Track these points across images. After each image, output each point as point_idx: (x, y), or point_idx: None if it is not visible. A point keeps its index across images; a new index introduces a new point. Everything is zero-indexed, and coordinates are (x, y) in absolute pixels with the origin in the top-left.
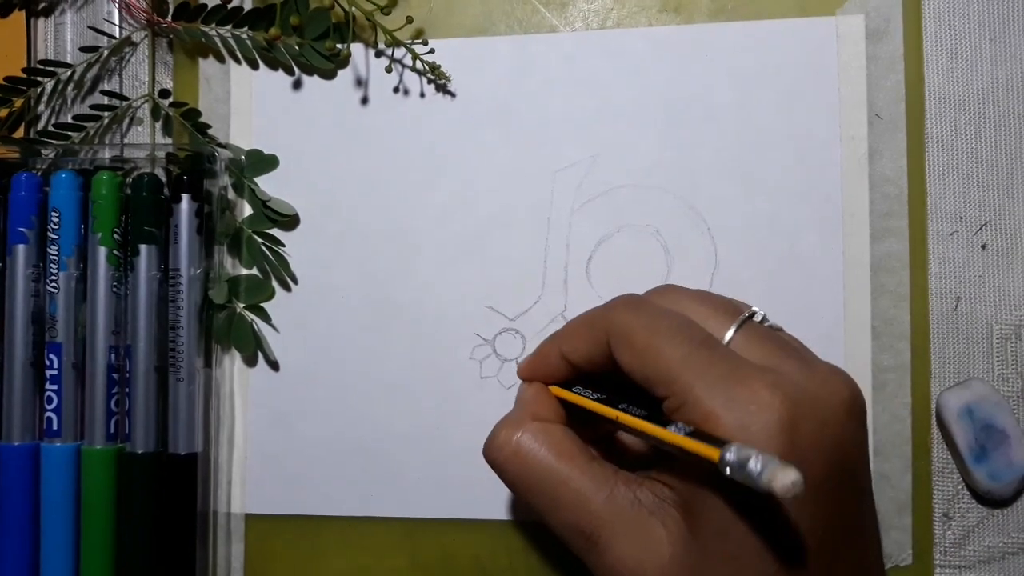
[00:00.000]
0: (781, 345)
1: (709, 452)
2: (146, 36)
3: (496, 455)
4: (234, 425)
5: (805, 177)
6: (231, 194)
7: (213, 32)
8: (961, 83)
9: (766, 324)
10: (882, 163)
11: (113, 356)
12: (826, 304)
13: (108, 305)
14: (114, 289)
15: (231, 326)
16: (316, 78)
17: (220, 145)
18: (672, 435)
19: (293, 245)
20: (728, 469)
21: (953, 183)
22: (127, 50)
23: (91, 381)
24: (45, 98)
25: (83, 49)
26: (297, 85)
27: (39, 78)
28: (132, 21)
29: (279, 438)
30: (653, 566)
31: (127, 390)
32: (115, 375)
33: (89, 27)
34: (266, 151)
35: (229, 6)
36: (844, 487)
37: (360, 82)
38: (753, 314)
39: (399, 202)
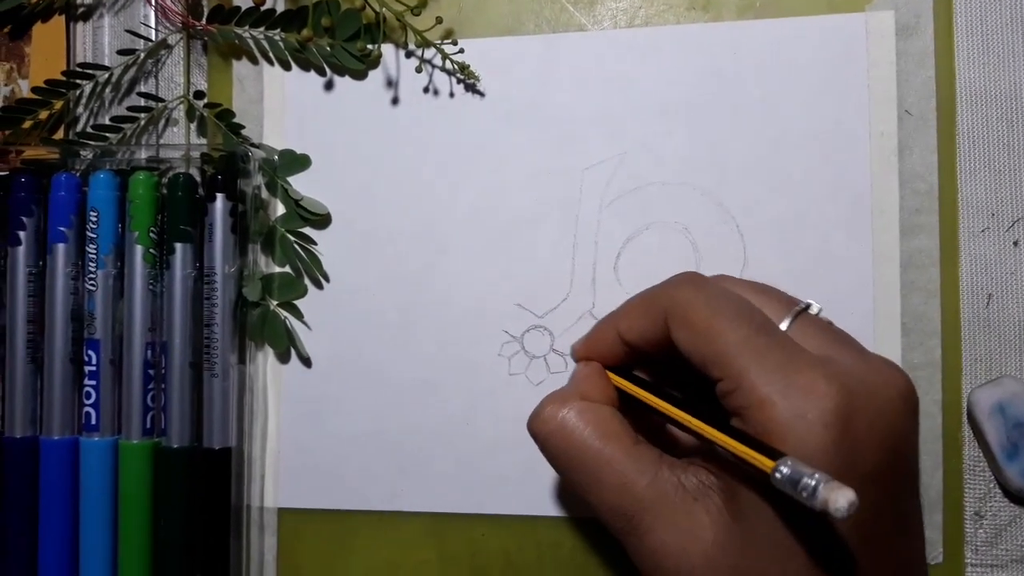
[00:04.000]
0: (836, 336)
1: (762, 463)
2: (181, 39)
3: (540, 428)
4: (267, 420)
5: (834, 174)
6: (264, 193)
7: (246, 34)
8: (993, 78)
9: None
10: (912, 159)
11: (149, 352)
12: (856, 301)
13: (145, 302)
14: (150, 287)
15: (264, 323)
16: (347, 79)
17: (253, 145)
18: (728, 440)
19: (325, 243)
20: (780, 483)
21: (985, 179)
22: (163, 52)
23: (128, 377)
24: (84, 100)
25: (120, 52)
26: (329, 86)
27: (78, 80)
28: (168, 24)
29: (311, 433)
30: (696, 551)
31: (163, 386)
32: (151, 371)
33: (126, 30)
34: (298, 151)
35: (262, 8)
36: (895, 480)
37: (391, 82)
38: (809, 306)
39: (429, 200)
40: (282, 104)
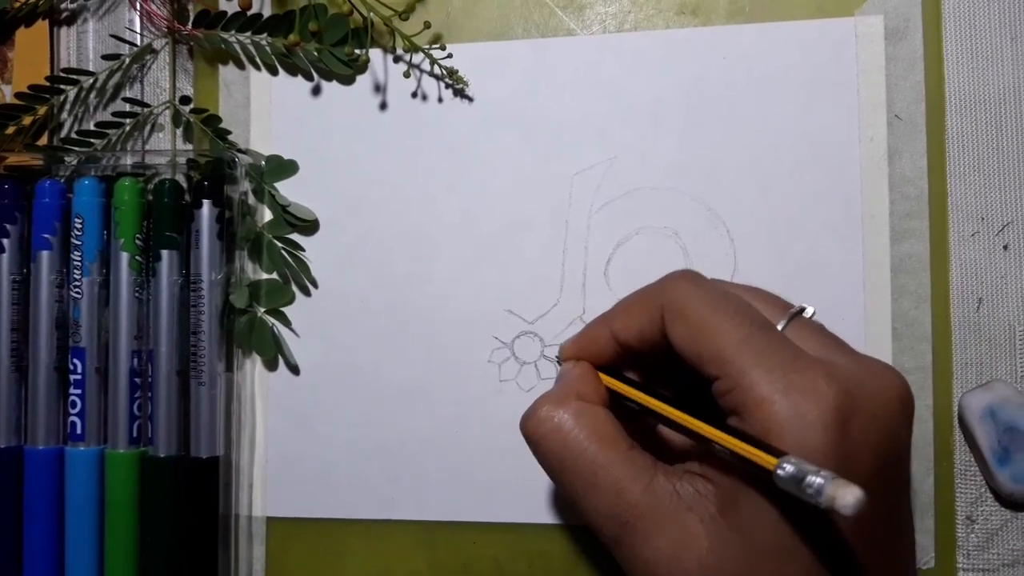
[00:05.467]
0: (832, 340)
1: (765, 461)
2: (167, 44)
3: (535, 429)
4: (255, 428)
5: (824, 178)
6: (251, 199)
7: (233, 39)
8: (982, 83)
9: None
10: (902, 164)
11: (136, 361)
12: (846, 306)
13: (131, 310)
14: (136, 294)
15: (252, 330)
16: (335, 83)
17: (240, 151)
18: (728, 438)
19: (313, 250)
20: (783, 482)
21: (974, 183)
22: (148, 57)
23: (114, 385)
24: (68, 106)
25: (105, 57)
26: (316, 91)
27: (62, 86)
28: (153, 29)
29: (300, 441)
30: (691, 558)
31: (149, 394)
32: (137, 379)
33: (111, 35)
34: (286, 156)
35: (248, 13)
36: (890, 482)
37: (379, 87)
38: (803, 309)
39: (418, 206)
40: (268, 109)
